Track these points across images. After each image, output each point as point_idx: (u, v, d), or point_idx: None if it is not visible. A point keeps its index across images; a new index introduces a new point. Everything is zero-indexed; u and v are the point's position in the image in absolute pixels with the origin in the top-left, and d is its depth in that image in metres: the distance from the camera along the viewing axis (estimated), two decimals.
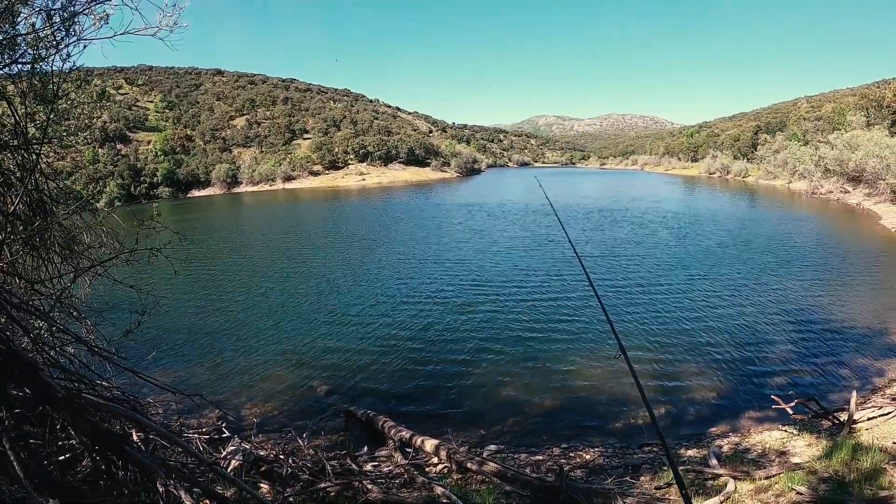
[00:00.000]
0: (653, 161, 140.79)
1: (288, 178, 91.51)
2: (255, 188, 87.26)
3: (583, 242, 29.24)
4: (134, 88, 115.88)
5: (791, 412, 9.66)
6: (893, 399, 9.72)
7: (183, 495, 3.09)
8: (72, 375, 4.41)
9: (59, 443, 3.68)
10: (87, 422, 3.20)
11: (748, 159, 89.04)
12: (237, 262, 27.29)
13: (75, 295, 5.81)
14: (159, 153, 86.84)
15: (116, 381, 6.02)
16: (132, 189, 75.62)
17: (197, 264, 25.89)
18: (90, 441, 3.20)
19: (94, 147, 78.17)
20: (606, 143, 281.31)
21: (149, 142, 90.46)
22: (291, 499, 5.95)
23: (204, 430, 9.08)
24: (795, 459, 7.51)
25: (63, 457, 3.70)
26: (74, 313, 5.87)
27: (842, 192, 45.89)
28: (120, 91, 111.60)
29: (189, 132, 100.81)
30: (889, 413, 9.00)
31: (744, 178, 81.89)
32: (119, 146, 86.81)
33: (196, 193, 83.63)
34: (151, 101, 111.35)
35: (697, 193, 63.86)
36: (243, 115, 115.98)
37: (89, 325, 6.00)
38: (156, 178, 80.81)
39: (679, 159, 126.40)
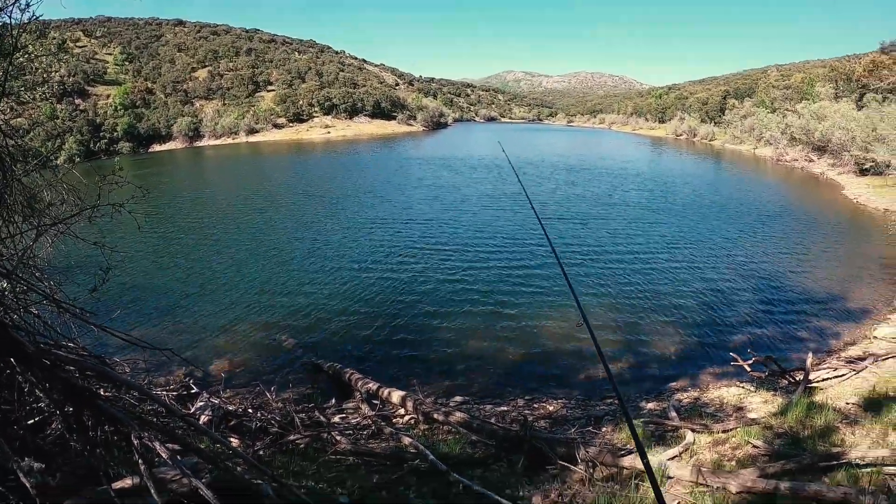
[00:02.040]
0: (620, 120, 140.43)
1: (251, 132, 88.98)
2: (218, 142, 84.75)
3: (550, 202, 29.25)
4: (92, 41, 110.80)
5: (749, 370, 9.90)
6: (848, 362, 9.99)
7: (158, 447, 3.04)
8: (39, 334, 4.30)
9: (28, 406, 3.61)
10: (59, 378, 3.13)
11: (715, 123, 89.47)
12: (201, 217, 26.62)
13: (38, 255, 5.65)
14: (119, 107, 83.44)
15: (83, 341, 5.92)
16: (91, 145, 72.73)
17: (161, 220, 25.18)
18: (62, 398, 3.14)
19: (52, 102, 75.16)
20: (574, 100, 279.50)
21: (108, 96, 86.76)
22: (261, 452, 5.96)
23: (172, 387, 9.04)
24: (752, 415, 7.73)
25: (32, 420, 3.64)
26: (38, 273, 5.71)
27: (806, 160, 46.49)
28: (78, 44, 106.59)
29: (150, 85, 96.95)
30: (843, 375, 9.28)
31: (710, 141, 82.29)
32: (77, 101, 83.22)
33: (157, 148, 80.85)
34: (110, 54, 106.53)
35: (664, 154, 64.22)
36: (205, 66, 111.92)
37: (53, 285, 5.85)
38: (116, 133, 77.75)
39: (647, 120, 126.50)
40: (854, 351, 11.16)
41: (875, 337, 12.02)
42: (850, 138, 38.14)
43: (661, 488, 4.85)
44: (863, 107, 44.02)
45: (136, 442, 3.06)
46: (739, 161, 55.72)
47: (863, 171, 35.50)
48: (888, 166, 26.46)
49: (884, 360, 9.70)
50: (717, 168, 50.61)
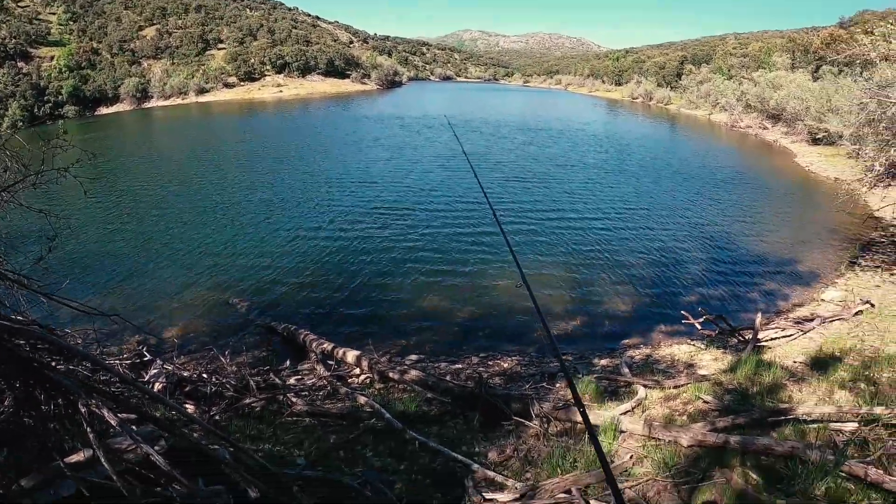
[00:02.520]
0: (577, 82, 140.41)
1: (201, 91, 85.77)
2: (167, 102, 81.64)
3: (505, 162, 29.23)
4: (34, 0, 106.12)
5: (700, 328, 10.10)
6: (796, 322, 10.26)
7: (108, 415, 2.91)
8: None
9: None
10: (6, 350, 2.98)
11: (672, 88, 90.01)
12: (150, 181, 25.52)
13: None
14: (64, 69, 79.37)
15: (32, 313, 5.68)
16: (36, 110, 69.11)
17: (109, 185, 24.09)
18: (12, 372, 2.98)
19: None
20: (531, 61, 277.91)
21: (52, 58, 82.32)
22: (217, 417, 5.85)
23: (126, 356, 8.79)
24: (702, 372, 7.87)
25: None
26: None
27: (760, 127, 47.19)
28: (20, 4, 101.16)
29: (95, 45, 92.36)
30: (791, 335, 9.52)
31: (666, 105, 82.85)
32: (20, 64, 78.90)
33: (104, 111, 77.44)
34: (54, 14, 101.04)
35: (620, 117, 64.76)
36: (153, 24, 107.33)
37: None
38: (61, 97, 73.92)
39: (603, 82, 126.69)
40: (802, 312, 11.47)
41: (822, 300, 12.34)
42: (804, 108, 38.72)
43: (614, 442, 4.92)
44: (818, 78, 44.74)
45: (83, 410, 2.93)
46: (694, 126, 56.37)
47: (815, 141, 36.11)
48: (840, 137, 26.95)
49: (830, 321, 9.97)
50: (672, 132, 51.15)
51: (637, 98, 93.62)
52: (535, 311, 9.86)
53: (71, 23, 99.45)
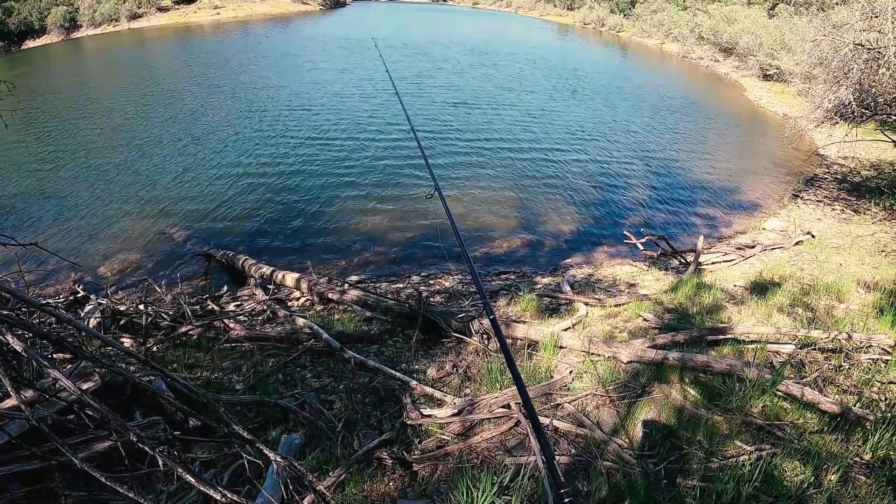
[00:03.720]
0: (528, 5, 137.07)
1: (134, 17, 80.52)
2: (98, 31, 76.43)
3: (452, 86, 28.48)
4: None
5: (642, 248, 10.18)
6: (738, 248, 10.41)
7: (11, 340, 2.64)
8: None
9: None
10: None
11: (625, 15, 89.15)
12: (78, 115, 23.42)
13: None
14: None
15: None
16: None
17: (34, 121, 21.93)
18: None
19: None
20: None
21: None
22: (154, 348, 5.64)
23: (62, 297, 8.45)
24: (644, 291, 7.93)
25: None
26: None
27: (712, 60, 47.22)
28: None
29: None
30: (732, 260, 9.68)
31: (618, 32, 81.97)
32: None
33: (31, 44, 71.86)
34: None
35: (571, 42, 64.24)
36: None
37: None
38: None
39: (555, 6, 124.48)
40: (744, 240, 11.64)
41: (765, 229, 12.56)
42: (757, 44, 38.86)
43: (555, 358, 4.88)
44: (774, 16, 44.75)
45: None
46: (646, 54, 56.21)
47: (766, 77, 36.39)
48: (791, 75, 27.18)
49: (771, 249, 10.15)
50: (622, 59, 50.97)
51: (589, 24, 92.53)
52: (479, 231, 9.82)
53: None
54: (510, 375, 4.44)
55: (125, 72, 36.58)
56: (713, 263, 9.43)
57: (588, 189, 14.79)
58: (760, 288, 7.19)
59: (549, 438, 3.80)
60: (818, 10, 24.51)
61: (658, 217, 13.38)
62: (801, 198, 14.84)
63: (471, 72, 33.02)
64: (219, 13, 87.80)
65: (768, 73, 35.75)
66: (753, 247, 10.25)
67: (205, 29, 67.95)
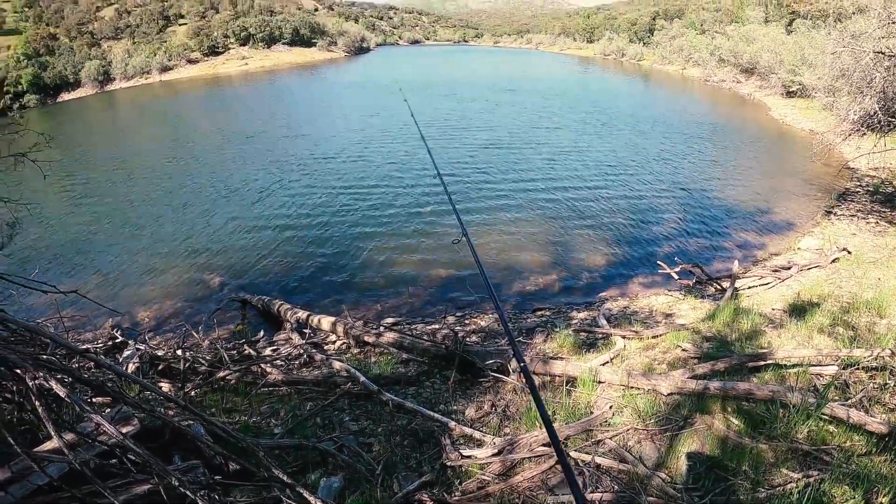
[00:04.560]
0: (548, 41, 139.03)
1: (165, 69, 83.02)
2: (130, 83, 78.95)
3: (478, 126, 28.84)
4: None
5: (677, 278, 10.08)
6: (774, 271, 10.25)
7: (55, 386, 2.75)
8: None
9: None
10: None
11: (644, 44, 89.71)
12: (116, 164, 24.63)
13: None
14: (22, 58, 76.72)
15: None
16: None
17: (73, 171, 23.00)
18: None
19: None
20: (501, 21, 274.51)
21: (9, 47, 79.65)
22: (192, 393, 5.74)
23: (99, 341, 8.65)
24: (681, 321, 7.83)
25: None
26: None
27: (734, 81, 47.18)
28: None
29: (53, 30, 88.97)
30: (769, 283, 9.53)
31: (638, 61, 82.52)
32: None
33: (66, 97, 74.56)
34: (8, 1, 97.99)
35: (593, 74, 64.43)
36: (111, 4, 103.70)
37: None
38: (20, 86, 71.75)
39: (574, 40, 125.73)
40: (779, 261, 11.47)
41: (799, 248, 12.40)
42: (778, 61, 38.74)
43: (594, 393, 4.86)
44: (792, 32, 44.62)
45: (31, 384, 2.79)
46: (668, 81, 56.31)
47: (789, 94, 36.21)
48: (814, 90, 26.99)
49: (808, 269, 9.99)
50: (645, 87, 51.13)
51: (609, 55, 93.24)
52: (512, 269, 9.87)
53: (26, 9, 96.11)
54: (550, 413, 4.47)
55: (158, 123, 37.81)
56: (750, 288, 9.32)
57: (620, 221, 14.75)
58: (799, 310, 7.08)
59: (591, 475, 3.77)
60: (835, 22, 24.36)
61: (691, 244, 13.29)
62: (835, 213, 14.66)
63: (497, 111, 33.37)
64: (246, 63, 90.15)
65: (791, 89, 35.56)
66: (789, 268, 10.10)
67: (233, 79, 69.76)
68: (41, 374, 2.80)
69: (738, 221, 14.66)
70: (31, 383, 2.77)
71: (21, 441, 3.00)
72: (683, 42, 67.34)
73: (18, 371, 2.82)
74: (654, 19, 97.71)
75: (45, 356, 3.44)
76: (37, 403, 2.72)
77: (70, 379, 3.32)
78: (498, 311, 3.16)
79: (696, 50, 59.48)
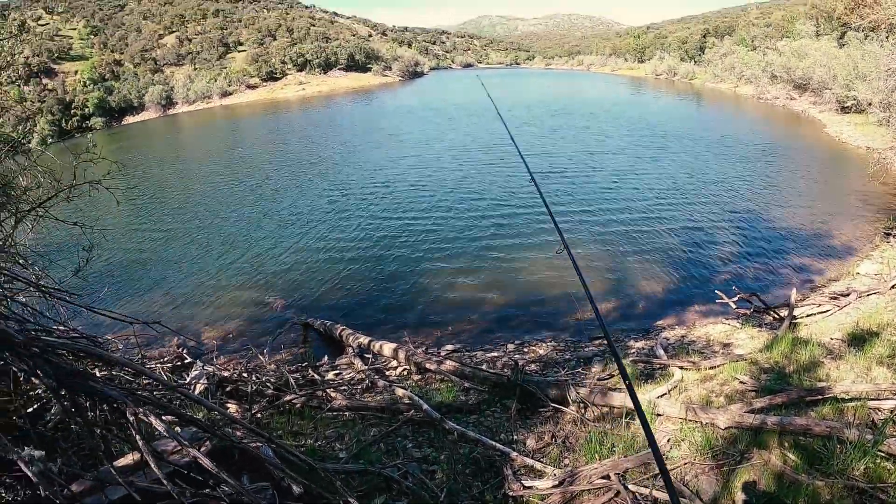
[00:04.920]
0: (599, 62, 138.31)
1: (225, 94, 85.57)
2: (192, 107, 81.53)
3: (535, 149, 28.82)
4: (54, 17, 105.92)
5: (734, 307, 10.05)
6: (832, 298, 10.14)
7: (154, 421, 3.03)
8: (27, 322, 4.22)
9: (25, 396, 3.58)
10: (49, 363, 3.09)
11: (695, 62, 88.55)
12: (180, 186, 26.00)
13: (19, 241, 5.53)
14: (88, 82, 79.61)
15: (72, 323, 5.82)
16: (63, 124, 69.01)
17: (139, 193, 24.26)
18: (56, 383, 3.11)
19: (20, 85, 72.50)
20: (551, 42, 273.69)
21: (76, 72, 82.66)
22: (259, 415, 5.98)
23: (166, 359, 9.02)
24: (738, 351, 7.83)
25: (31, 408, 3.62)
26: (21, 260, 5.62)
27: (788, 98, 46.31)
28: (39, 22, 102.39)
29: (117, 56, 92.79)
30: (827, 311, 9.43)
31: (690, 80, 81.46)
32: (45, 81, 79.32)
33: (131, 120, 77.53)
34: (74, 29, 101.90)
35: (645, 95, 63.59)
36: (173, 32, 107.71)
37: (38, 270, 5.75)
38: (87, 110, 74.14)
39: (626, 60, 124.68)
40: (837, 287, 11.32)
41: (858, 273, 12.17)
42: (831, 76, 37.97)
43: (651, 425, 4.95)
44: (844, 45, 43.68)
45: (132, 418, 3.05)
46: (720, 99, 55.52)
47: (844, 109, 35.43)
48: (870, 105, 26.44)
49: (867, 295, 9.86)
50: (697, 107, 50.47)
51: (661, 74, 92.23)
52: (569, 297, 9.94)
53: (92, 37, 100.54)
54: (609, 445, 4.63)
55: (220, 146, 38.96)
56: (808, 316, 9.26)
57: (677, 248, 14.70)
58: (858, 339, 7.03)
59: None
60: (887, 34, 23.82)
61: (748, 271, 13.17)
62: (894, 236, 14.34)
63: (553, 135, 33.31)
64: (304, 88, 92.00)
65: (845, 105, 34.82)
66: (848, 294, 9.99)
67: (291, 104, 71.12)
68: (141, 409, 3.09)
69: (795, 246, 14.48)
70: (131, 418, 3.05)
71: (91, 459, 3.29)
72: (735, 59, 66.37)
73: (117, 404, 3.11)
74: (704, 37, 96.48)
75: (142, 392, 3.74)
76: (137, 436, 2.98)
77: (161, 412, 3.59)
78: (607, 339, 3.34)
79: (748, 67, 58.54)
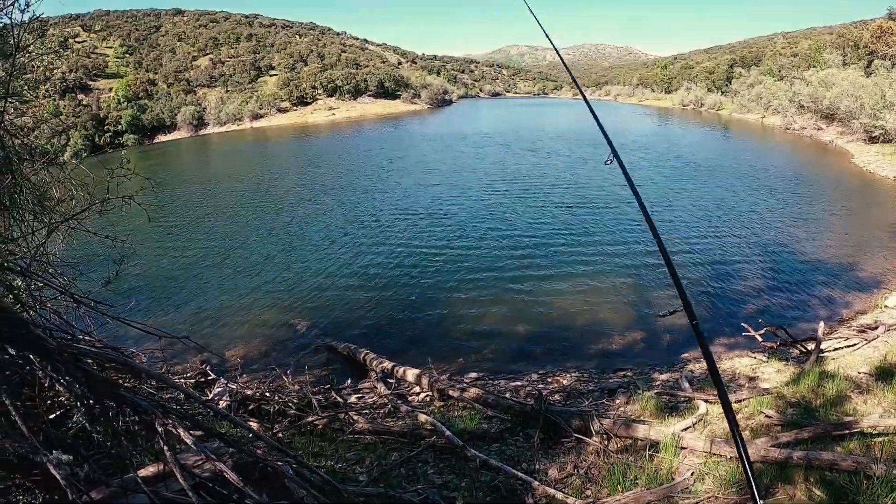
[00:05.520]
0: (626, 92, 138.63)
1: (256, 117, 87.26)
2: (223, 129, 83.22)
3: (560, 179, 29.10)
4: (91, 35, 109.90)
5: (761, 340, 9.94)
6: (860, 331, 10.02)
7: (182, 433, 3.10)
8: (55, 330, 4.31)
9: (48, 402, 3.67)
10: (81, 370, 3.18)
11: (722, 93, 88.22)
12: (211, 204, 26.61)
13: (51, 251, 5.66)
14: (122, 100, 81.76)
15: (100, 333, 5.95)
16: (97, 139, 71.07)
17: (170, 210, 25.10)
18: (83, 390, 3.19)
19: (55, 99, 74.65)
20: (579, 72, 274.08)
21: (110, 89, 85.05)
22: (281, 434, 6.03)
23: (189, 374, 9.15)
24: (764, 385, 7.76)
25: (53, 415, 3.70)
26: (52, 269, 5.74)
27: (815, 128, 46.00)
28: (77, 39, 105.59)
29: (151, 76, 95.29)
30: (855, 344, 9.32)
31: (717, 111, 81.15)
32: (80, 96, 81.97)
33: (163, 138, 79.49)
34: (111, 47, 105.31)
35: (672, 126, 63.46)
36: (206, 54, 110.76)
37: (68, 280, 5.87)
38: (120, 126, 76.13)
39: (653, 90, 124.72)
40: (865, 320, 11.18)
41: (886, 306, 12.03)
42: (858, 106, 37.75)
43: (675, 459, 4.95)
44: (871, 73, 43.43)
45: (160, 429, 3.11)
46: (747, 130, 55.20)
47: (872, 139, 35.16)
48: None
49: (895, 329, 9.74)
50: (724, 138, 50.20)
51: (688, 105, 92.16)
52: (594, 327, 10.09)
53: (127, 56, 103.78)
54: (632, 477, 4.62)
55: (250, 168, 39.72)
56: (835, 350, 9.16)
57: (703, 279, 14.63)
58: (886, 373, 6.96)
59: None
60: None
61: (775, 303, 13.04)
62: None
63: (582, 166, 33.27)
64: (333, 114, 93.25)
65: (873, 135, 34.56)
66: (876, 328, 9.87)
67: (321, 129, 72.06)
68: (170, 420, 3.16)
69: (822, 278, 14.33)
70: (160, 429, 3.12)
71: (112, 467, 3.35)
72: (762, 89, 66.11)
73: (146, 415, 3.18)
74: (731, 67, 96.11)
75: (171, 404, 3.80)
76: (164, 447, 3.04)
77: (189, 424, 3.65)
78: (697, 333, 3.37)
79: (776, 97, 58.25)
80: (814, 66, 56.92)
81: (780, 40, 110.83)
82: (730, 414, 2.39)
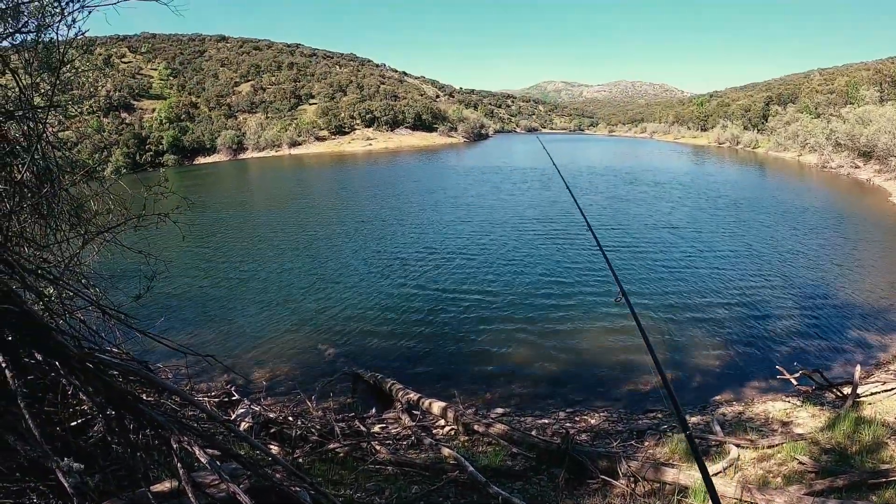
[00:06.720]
0: (662, 129, 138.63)
1: (294, 144, 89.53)
2: (261, 154, 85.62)
3: (598, 216, 28.73)
4: (137, 56, 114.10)
5: (795, 383, 9.72)
6: None
7: (197, 451, 3.11)
8: (83, 339, 4.38)
9: (70, 409, 3.70)
10: (101, 380, 3.21)
11: (759, 130, 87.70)
12: (245, 227, 27.21)
13: (84, 262, 5.79)
14: (164, 121, 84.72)
15: (127, 347, 6.04)
16: (137, 157, 73.63)
17: (205, 230, 25.75)
18: (104, 401, 3.22)
19: (99, 116, 77.17)
20: (615, 109, 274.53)
21: (153, 110, 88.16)
22: (301, 459, 6.03)
23: (213, 393, 9.24)
24: (798, 430, 7.58)
25: (75, 422, 3.73)
26: (84, 280, 5.85)
27: (852, 166, 45.40)
28: (123, 60, 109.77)
29: (194, 99, 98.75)
30: (892, 389, 9.05)
31: (753, 148, 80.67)
32: (124, 115, 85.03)
33: (202, 160, 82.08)
34: (155, 69, 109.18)
35: (708, 164, 62.92)
36: (248, 80, 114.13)
37: (98, 292, 5.98)
38: (161, 146, 78.90)
39: (689, 128, 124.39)
40: None
41: None
42: (895, 143, 37.27)
43: None
44: None
45: (175, 446, 3.12)
46: (783, 169, 54.68)
47: None
48: None
49: None
50: (760, 177, 49.73)
51: (724, 143, 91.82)
52: (624, 366, 9.85)
53: (171, 78, 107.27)
54: None
55: (286, 194, 40.48)
56: (872, 394, 8.90)
57: (734, 317, 14.38)
58: None
59: None
60: None
61: (809, 345, 12.74)
62: None
63: (617, 206, 32.96)
64: (370, 144, 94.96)
65: None
66: None
67: (358, 158, 73.39)
68: (185, 437, 3.16)
69: (859, 321, 13.98)
70: (175, 446, 3.12)
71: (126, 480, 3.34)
72: (798, 127, 65.54)
73: (162, 430, 3.19)
74: (767, 104, 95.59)
75: (188, 421, 3.80)
76: (178, 464, 3.04)
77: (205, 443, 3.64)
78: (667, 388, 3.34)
79: (812, 135, 57.65)
80: (851, 103, 56.41)
81: (816, 77, 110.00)
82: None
